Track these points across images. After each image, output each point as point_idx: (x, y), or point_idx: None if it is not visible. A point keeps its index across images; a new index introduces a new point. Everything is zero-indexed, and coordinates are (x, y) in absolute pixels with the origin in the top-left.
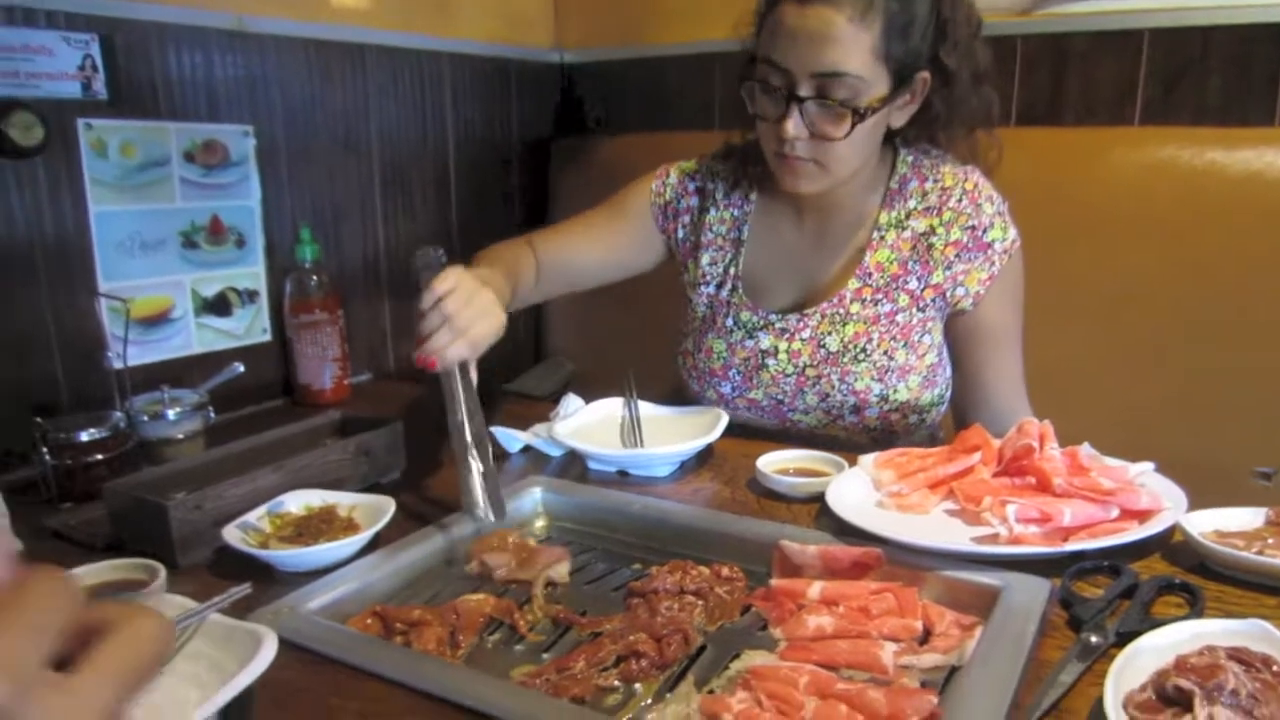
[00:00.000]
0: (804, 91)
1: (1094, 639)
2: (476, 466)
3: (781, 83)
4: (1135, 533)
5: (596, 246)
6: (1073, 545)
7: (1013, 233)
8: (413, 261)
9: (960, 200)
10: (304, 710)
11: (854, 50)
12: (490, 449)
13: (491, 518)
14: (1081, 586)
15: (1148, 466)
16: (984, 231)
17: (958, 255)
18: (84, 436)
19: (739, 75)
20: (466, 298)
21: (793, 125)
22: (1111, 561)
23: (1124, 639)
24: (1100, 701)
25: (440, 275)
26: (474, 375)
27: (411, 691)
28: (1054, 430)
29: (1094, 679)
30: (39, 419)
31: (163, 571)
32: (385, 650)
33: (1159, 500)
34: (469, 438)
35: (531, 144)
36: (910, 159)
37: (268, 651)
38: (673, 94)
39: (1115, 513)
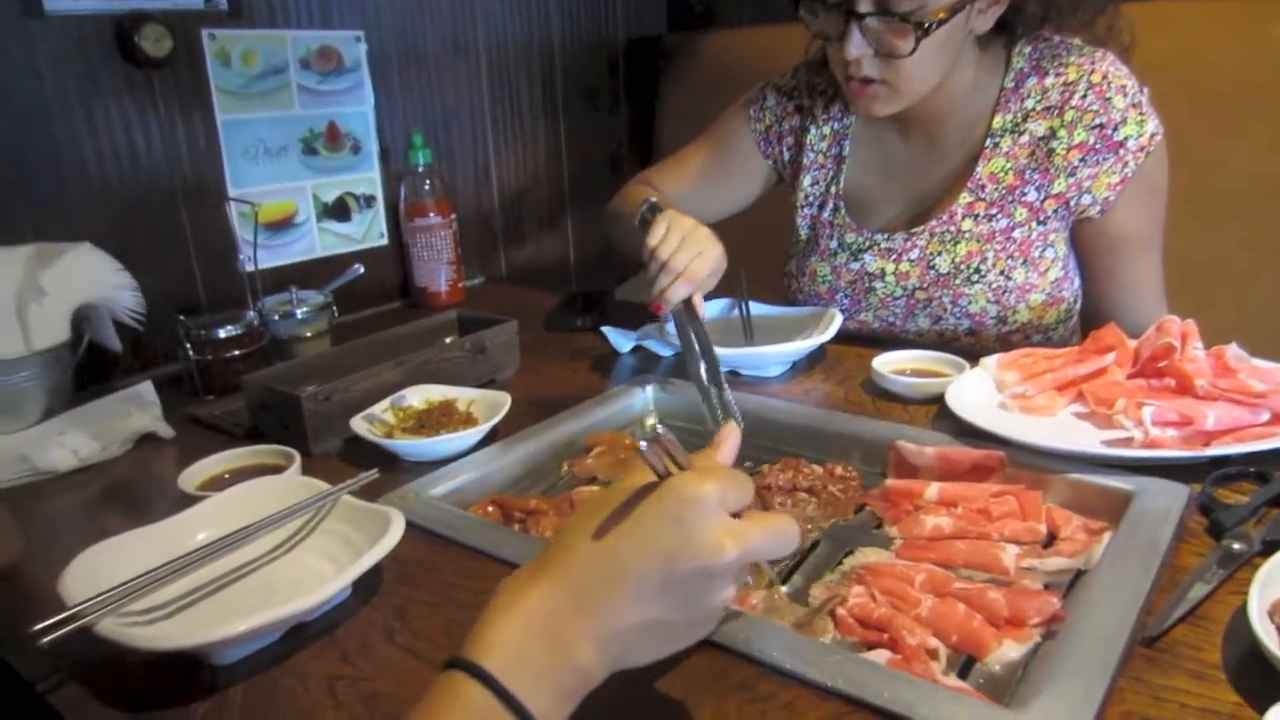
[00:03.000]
0: (863, 7)
1: (1237, 546)
2: (714, 394)
3: None
4: None
5: (707, 195)
6: (1216, 449)
7: (1151, 125)
8: (636, 217)
9: (1085, 96)
10: (428, 586)
11: None
12: (722, 376)
13: None
14: (1224, 493)
15: None
16: (1114, 129)
17: (1083, 159)
18: (222, 334)
19: None
20: (678, 241)
21: (854, 46)
22: (1259, 468)
23: (1270, 548)
24: (1243, 609)
25: (652, 225)
26: (701, 311)
27: None
28: (1198, 330)
29: (1235, 587)
30: (182, 317)
31: (298, 457)
32: (505, 535)
33: None
34: (703, 371)
35: (638, 42)
36: (1028, 51)
37: (396, 530)
38: None
39: (1265, 416)
